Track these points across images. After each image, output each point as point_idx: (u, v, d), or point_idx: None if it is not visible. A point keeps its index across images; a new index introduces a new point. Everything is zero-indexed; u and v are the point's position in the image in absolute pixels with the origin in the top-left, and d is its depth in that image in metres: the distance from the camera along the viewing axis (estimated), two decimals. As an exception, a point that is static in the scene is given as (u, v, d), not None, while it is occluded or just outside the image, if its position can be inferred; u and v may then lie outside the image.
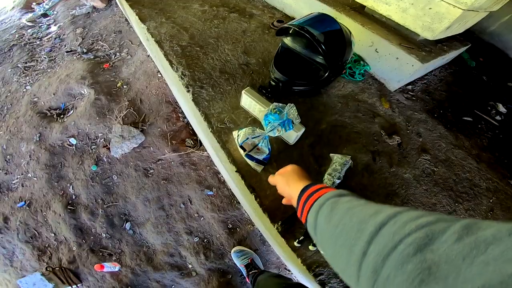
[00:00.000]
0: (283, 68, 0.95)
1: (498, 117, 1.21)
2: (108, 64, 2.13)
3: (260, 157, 0.77)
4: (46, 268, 1.41)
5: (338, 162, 0.81)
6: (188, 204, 1.52)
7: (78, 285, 1.40)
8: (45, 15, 2.95)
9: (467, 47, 1.27)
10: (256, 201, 0.77)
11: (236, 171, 0.82)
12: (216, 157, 1.18)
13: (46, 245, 1.49)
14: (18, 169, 1.72)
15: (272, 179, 0.61)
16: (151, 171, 1.62)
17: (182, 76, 1.07)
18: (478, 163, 1.00)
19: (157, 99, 1.86)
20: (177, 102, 1.83)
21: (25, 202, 1.60)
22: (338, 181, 0.77)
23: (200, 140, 1.69)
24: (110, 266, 1.37)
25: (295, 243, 0.70)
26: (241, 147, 0.79)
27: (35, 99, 2.00)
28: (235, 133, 0.85)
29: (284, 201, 0.60)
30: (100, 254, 1.43)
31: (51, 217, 1.54)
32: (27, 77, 2.17)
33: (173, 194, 1.55)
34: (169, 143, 1.69)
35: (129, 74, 2.05)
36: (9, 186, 1.67)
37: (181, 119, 1.76)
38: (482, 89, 1.36)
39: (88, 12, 2.71)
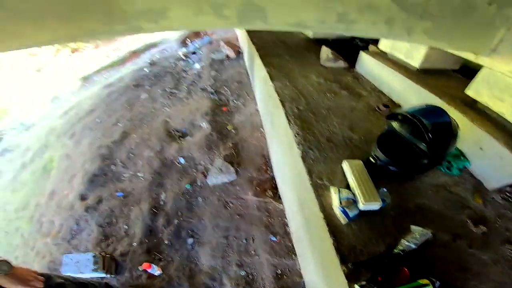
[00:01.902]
0: (385, 148, 1.08)
1: None
2: (226, 108, 2.69)
3: (350, 214, 0.97)
4: (100, 253, 1.63)
5: (418, 232, 0.88)
6: (250, 241, 1.67)
7: (112, 275, 1.57)
8: (194, 52, 3.96)
9: None
10: (334, 245, 0.95)
11: (323, 218, 1.04)
12: (298, 207, 1.35)
13: (114, 234, 1.79)
14: (133, 167, 2.23)
15: None
16: (231, 205, 1.88)
17: (296, 135, 1.32)
18: None
19: (254, 150, 2.23)
20: (269, 157, 2.13)
21: (123, 193, 2.03)
22: (413, 246, 0.83)
23: (279, 194, 1.89)
24: (155, 269, 1.53)
25: (356, 286, 0.82)
26: (340, 201, 0.97)
27: (168, 120, 2.68)
28: (334, 189, 1.02)
29: None
30: (152, 256, 1.64)
31: (135, 212, 1.89)
32: (169, 101, 2.94)
33: (241, 229, 1.74)
34: (253, 188, 1.95)
35: (239, 121, 2.52)
36: (119, 177, 2.17)
37: (268, 172, 2.05)
38: None
39: (223, 59, 3.55)
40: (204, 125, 2.52)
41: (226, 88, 2.99)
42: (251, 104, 2.69)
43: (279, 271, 1.55)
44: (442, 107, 1.01)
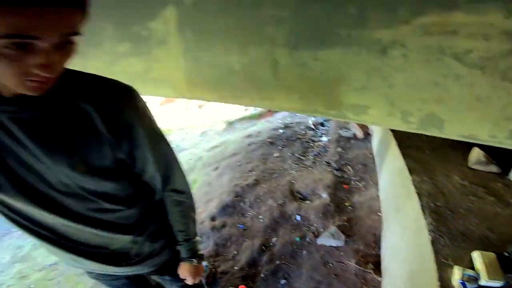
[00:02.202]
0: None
1: None
2: (347, 186, 2.96)
3: (468, 285, 1.01)
4: (208, 264, 2.07)
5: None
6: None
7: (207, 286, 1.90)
8: (322, 124, 4.44)
9: None
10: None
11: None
12: (406, 281, 1.46)
13: (223, 254, 2.23)
14: (257, 209, 2.75)
15: None
16: (331, 264, 2.08)
17: (430, 224, 1.42)
18: None
19: (367, 228, 2.37)
20: (379, 238, 2.24)
21: (244, 226, 2.54)
22: None
23: (381, 269, 2.00)
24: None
25: None
26: (462, 276, 1.03)
27: (293, 181, 3.16)
28: (458, 268, 1.09)
29: None
30: (246, 283, 1.98)
31: (247, 244, 2.33)
32: (296, 165, 3.46)
33: (333, 286, 1.90)
34: (357, 258, 2.09)
35: (357, 201, 2.73)
36: (244, 213, 2.71)
37: (375, 250, 2.16)
38: None
39: (350, 137, 3.80)
40: (324, 195, 2.86)
41: (350, 168, 3.24)
42: (372, 189, 2.84)
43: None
44: None
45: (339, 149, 3.58)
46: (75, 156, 0.57)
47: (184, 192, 0.78)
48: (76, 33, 0.47)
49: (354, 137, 3.79)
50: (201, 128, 5.54)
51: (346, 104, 0.97)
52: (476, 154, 1.98)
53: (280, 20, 0.89)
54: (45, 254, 3.43)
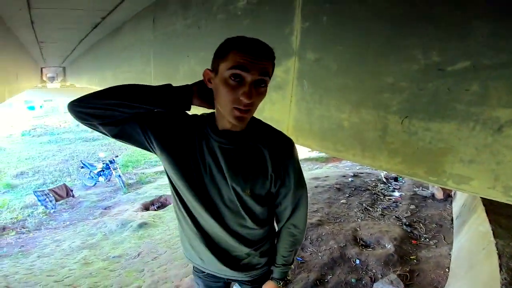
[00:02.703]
0: None
1: None
2: (416, 241, 2.80)
3: None
4: None
5: None
6: None
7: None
8: (396, 179, 4.25)
9: None
10: None
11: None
12: None
13: None
14: (317, 247, 2.79)
15: None
16: None
17: (503, 280, 1.40)
18: None
19: (429, 281, 2.30)
20: None
21: (302, 259, 2.58)
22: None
23: None
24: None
25: None
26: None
27: (357, 229, 3.11)
28: None
29: None
30: None
31: (302, 276, 2.41)
32: (362, 214, 3.36)
33: None
34: None
35: (424, 256, 2.58)
36: (304, 248, 2.76)
37: None
38: None
39: (427, 196, 3.55)
40: (389, 246, 2.76)
41: (422, 225, 3.04)
42: (444, 247, 2.69)
43: None
44: None
45: (412, 206, 3.38)
46: (247, 183, 0.78)
47: (300, 228, 0.91)
48: (269, 77, 0.67)
49: (432, 196, 3.54)
50: None
51: (448, 173, 1.00)
52: None
53: (398, 89, 1.01)
54: (112, 246, 3.91)
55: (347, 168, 4.82)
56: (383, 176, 4.27)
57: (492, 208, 2.19)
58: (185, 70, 2.27)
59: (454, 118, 0.96)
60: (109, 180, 7.56)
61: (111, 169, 7.30)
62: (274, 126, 1.51)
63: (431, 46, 0.94)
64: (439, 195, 3.49)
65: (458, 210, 3.04)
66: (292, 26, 1.22)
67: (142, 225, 4.49)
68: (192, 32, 1.99)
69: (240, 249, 0.88)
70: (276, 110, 1.45)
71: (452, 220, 3.02)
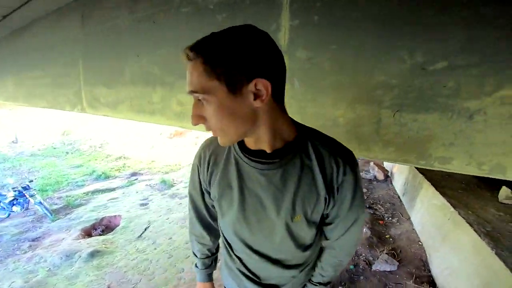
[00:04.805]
0: None
1: None
2: (382, 221, 3.26)
3: None
4: None
5: None
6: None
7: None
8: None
9: None
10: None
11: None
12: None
13: None
14: None
15: None
16: (391, 286, 2.44)
17: (488, 244, 1.70)
18: None
19: (412, 255, 2.74)
20: (427, 262, 2.64)
21: None
22: None
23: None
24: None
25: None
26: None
27: None
28: None
29: None
30: None
31: None
32: None
33: None
34: (412, 279, 2.47)
35: (395, 234, 3.05)
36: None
37: (425, 272, 2.56)
38: None
39: (371, 179, 4.16)
40: (365, 230, 3.16)
41: (379, 206, 3.50)
42: (405, 223, 3.21)
43: None
44: None
45: (364, 190, 3.87)
46: (296, 211, 0.69)
47: (347, 253, 0.85)
48: (198, 89, 0.53)
49: (375, 178, 4.15)
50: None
51: (434, 156, 1.20)
52: (504, 191, 2.61)
53: (389, 86, 1.15)
54: (67, 282, 3.30)
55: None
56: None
57: (435, 183, 2.71)
58: (133, 72, 2.01)
59: (436, 110, 1.15)
60: (26, 209, 6.26)
61: (27, 196, 6.01)
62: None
63: (416, 48, 1.08)
64: (380, 176, 4.12)
65: (402, 188, 3.67)
66: (279, 23, 1.23)
67: (94, 254, 3.87)
68: (144, 27, 1.77)
69: (284, 274, 0.83)
70: (264, 112, 1.44)
71: (399, 197, 3.64)
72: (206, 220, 0.87)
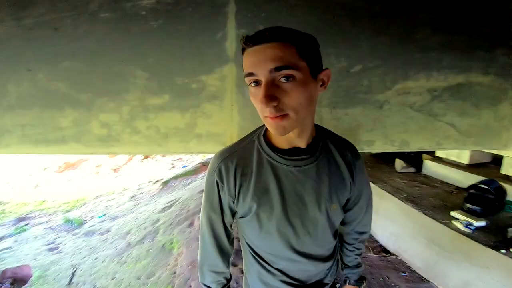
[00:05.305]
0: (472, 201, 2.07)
1: None
2: None
3: (471, 227, 1.83)
4: None
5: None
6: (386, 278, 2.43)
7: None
8: None
9: None
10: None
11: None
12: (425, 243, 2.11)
13: None
14: None
15: None
16: None
17: (412, 207, 2.05)
18: None
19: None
20: (371, 235, 2.97)
21: None
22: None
23: (390, 253, 2.78)
24: None
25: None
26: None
27: None
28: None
29: None
30: None
31: None
32: None
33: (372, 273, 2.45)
34: (371, 251, 2.74)
35: None
36: None
37: (375, 243, 2.89)
38: None
39: None
40: None
41: None
42: None
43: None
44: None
45: None
46: (333, 200, 0.75)
47: (370, 227, 0.95)
48: (290, 65, 0.54)
49: None
50: (126, 192, 5.09)
51: (363, 141, 1.49)
52: (399, 163, 3.31)
53: (328, 87, 1.36)
54: None
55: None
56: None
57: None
58: (23, 91, 1.59)
59: (359, 104, 1.43)
60: None
61: None
62: (213, 140, 1.45)
63: (341, 54, 1.33)
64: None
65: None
66: (225, 31, 1.26)
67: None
68: (38, 35, 1.42)
69: (319, 268, 0.85)
70: (213, 123, 1.42)
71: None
72: (223, 244, 0.79)
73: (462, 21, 1.58)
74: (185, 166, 6.65)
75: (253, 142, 0.73)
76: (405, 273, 2.48)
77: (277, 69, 0.54)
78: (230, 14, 1.21)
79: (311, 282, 0.83)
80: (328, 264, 0.85)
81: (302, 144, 0.70)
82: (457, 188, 2.69)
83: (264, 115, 0.60)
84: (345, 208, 0.85)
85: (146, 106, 1.37)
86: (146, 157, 8.03)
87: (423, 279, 2.30)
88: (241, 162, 0.70)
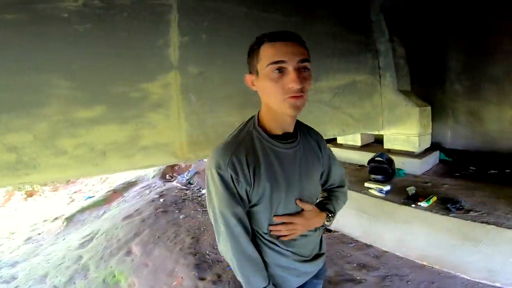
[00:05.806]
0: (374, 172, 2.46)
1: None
2: None
3: (383, 191, 2.24)
4: None
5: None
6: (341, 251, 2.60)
7: None
8: (190, 183, 4.89)
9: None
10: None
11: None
12: (356, 213, 2.29)
13: None
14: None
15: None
16: None
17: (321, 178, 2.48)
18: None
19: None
20: None
21: None
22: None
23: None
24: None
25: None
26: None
27: None
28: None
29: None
30: None
31: None
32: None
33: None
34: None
35: None
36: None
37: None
38: None
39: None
40: None
41: None
42: None
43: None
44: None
45: None
46: (314, 174, 0.88)
47: (345, 185, 1.04)
48: (308, 60, 0.69)
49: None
50: (16, 236, 4.02)
51: None
52: None
53: None
54: None
55: (145, 194, 4.74)
56: (180, 185, 4.81)
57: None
58: None
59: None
60: None
61: None
62: (161, 151, 1.39)
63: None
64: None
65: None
66: (167, 39, 1.25)
67: None
68: None
69: (318, 235, 0.98)
70: (159, 133, 1.34)
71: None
72: (251, 237, 0.82)
73: (344, 32, 2.09)
74: (89, 197, 5.69)
75: (250, 133, 0.80)
76: (352, 243, 2.71)
77: (302, 61, 0.68)
78: (173, 22, 1.21)
79: (314, 255, 0.97)
80: (318, 232, 1.00)
81: (290, 129, 0.81)
82: (360, 165, 3.04)
83: (287, 95, 0.68)
84: (321, 174, 0.98)
85: (72, 120, 1.17)
86: (30, 195, 6.41)
87: (368, 245, 2.48)
88: (249, 152, 0.77)
